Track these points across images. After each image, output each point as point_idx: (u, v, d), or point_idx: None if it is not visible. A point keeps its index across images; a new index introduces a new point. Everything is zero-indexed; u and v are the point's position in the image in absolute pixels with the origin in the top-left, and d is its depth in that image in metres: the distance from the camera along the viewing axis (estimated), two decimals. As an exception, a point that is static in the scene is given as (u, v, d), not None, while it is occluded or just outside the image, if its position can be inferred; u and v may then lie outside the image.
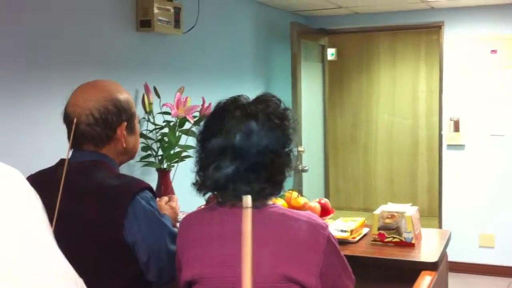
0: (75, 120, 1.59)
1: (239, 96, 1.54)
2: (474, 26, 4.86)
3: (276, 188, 1.51)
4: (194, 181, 1.56)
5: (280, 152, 1.48)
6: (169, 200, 1.96)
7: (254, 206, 1.44)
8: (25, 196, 0.71)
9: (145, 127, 2.83)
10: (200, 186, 1.54)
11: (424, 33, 6.19)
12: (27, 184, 0.73)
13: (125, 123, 1.71)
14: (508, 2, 4.63)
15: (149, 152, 2.81)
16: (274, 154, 1.46)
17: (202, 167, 1.52)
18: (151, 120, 2.85)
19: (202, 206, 2.23)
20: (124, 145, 1.72)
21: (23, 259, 0.66)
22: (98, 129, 1.66)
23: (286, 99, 4.42)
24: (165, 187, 2.75)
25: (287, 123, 1.52)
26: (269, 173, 1.45)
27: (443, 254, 2.21)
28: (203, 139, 1.52)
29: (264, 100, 1.53)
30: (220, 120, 1.48)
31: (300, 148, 4.33)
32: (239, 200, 1.47)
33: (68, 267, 0.72)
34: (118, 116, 1.69)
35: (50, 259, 0.70)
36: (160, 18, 2.90)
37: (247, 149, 1.42)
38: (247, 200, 1.40)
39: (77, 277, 0.73)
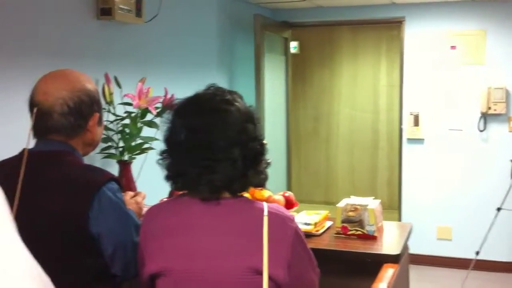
0: (34, 110, 1.53)
1: (206, 90, 1.55)
2: (434, 22, 4.94)
3: (248, 183, 1.52)
4: (166, 174, 1.54)
5: (252, 147, 1.49)
6: (135, 195, 1.91)
7: (230, 198, 1.45)
8: None
9: (106, 118, 2.76)
10: (173, 179, 1.53)
11: (386, 28, 6.26)
12: None
13: (98, 114, 1.69)
14: (467, -1, 4.73)
15: (109, 143, 2.75)
16: (247, 149, 1.47)
17: (173, 160, 1.51)
18: (112, 110, 2.78)
19: (165, 199, 2.18)
20: (93, 136, 1.69)
21: None
22: (71, 119, 1.61)
23: (249, 92, 4.43)
24: (126, 179, 2.69)
25: (255, 119, 1.54)
26: (243, 168, 1.47)
27: (405, 247, 2.23)
28: (172, 133, 1.51)
29: (232, 96, 1.53)
30: (192, 115, 1.49)
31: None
32: (212, 194, 1.47)
33: (34, 264, 0.68)
34: (90, 107, 1.66)
35: (15, 257, 0.66)
36: (121, 6, 2.83)
37: (222, 144, 1.45)
38: (265, 208, 1.41)
39: (44, 275, 0.69)
